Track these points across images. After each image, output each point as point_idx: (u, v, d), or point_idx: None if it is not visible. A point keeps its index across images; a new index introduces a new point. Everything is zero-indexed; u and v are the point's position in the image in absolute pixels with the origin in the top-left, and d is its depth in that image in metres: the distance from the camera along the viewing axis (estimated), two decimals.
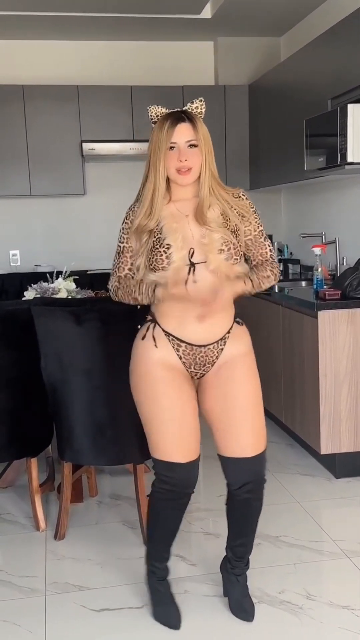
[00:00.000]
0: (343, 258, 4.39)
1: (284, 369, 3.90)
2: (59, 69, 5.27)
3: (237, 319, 2.24)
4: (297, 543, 2.83)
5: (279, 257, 5.44)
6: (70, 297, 3.31)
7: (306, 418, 3.61)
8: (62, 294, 3.33)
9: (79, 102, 5.04)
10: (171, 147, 2.07)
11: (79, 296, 3.34)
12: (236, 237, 2.13)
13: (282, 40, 5.43)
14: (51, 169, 5.08)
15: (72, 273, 3.52)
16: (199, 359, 2.17)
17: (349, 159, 3.47)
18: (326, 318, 3.35)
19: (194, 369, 2.19)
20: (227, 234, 2.10)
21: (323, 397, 3.39)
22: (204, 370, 2.20)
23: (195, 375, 2.22)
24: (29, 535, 2.97)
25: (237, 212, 2.14)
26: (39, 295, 3.27)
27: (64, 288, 3.34)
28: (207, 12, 4.84)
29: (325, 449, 3.44)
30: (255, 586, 2.50)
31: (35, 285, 3.38)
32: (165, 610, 2.31)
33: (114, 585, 2.56)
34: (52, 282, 3.41)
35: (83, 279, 4.01)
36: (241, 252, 2.15)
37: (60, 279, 3.39)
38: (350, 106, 3.44)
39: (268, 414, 4.34)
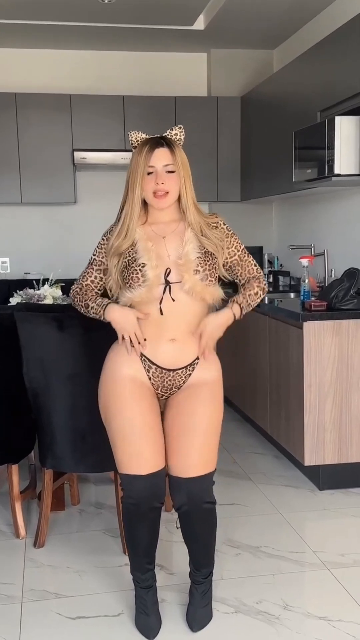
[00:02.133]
0: (331, 270, 4.40)
1: (270, 380, 3.90)
2: (52, 78, 5.30)
3: None
4: (277, 554, 2.82)
5: (269, 268, 5.46)
6: (55, 303, 3.31)
7: (290, 429, 3.60)
8: (48, 301, 3.32)
9: (72, 111, 5.07)
10: (149, 173, 2.12)
11: (64, 303, 3.33)
12: (212, 259, 2.16)
13: (275, 52, 5.47)
14: (42, 177, 5.09)
15: (62, 281, 3.52)
16: (167, 382, 2.22)
17: (336, 171, 3.49)
18: (311, 329, 3.35)
19: (161, 391, 2.24)
20: (203, 256, 2.14)
21: (307, 408, 3.39)
22: (170, 393, 2.26)
23: (162, 397, 2.27)
24: (9, 543, 2.95)
25: (213, 240, 2.17)
26: (24, 301, 3.27)
27: (49, 295, 3.34)
28: (200, 24, 4.87)
29: (309, 460, 3.43)
30: (232, 596, 2.49)
31: (21, 292, 3.37)
32: (145, 619, 2.29)
33: (92, 593, 2.54)
34: (39, 289, 3.41)
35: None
36: (216, 275, 2.19)
37: (46, 286, 3.39)
38: (337, 118, 3.46)
39: (255, 425, 4.34)
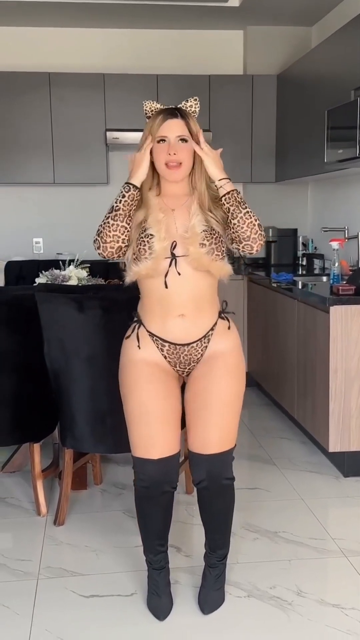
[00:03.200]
0: None
1: (298, 365, 3.85)
2: (85, 57, 5.27)
3: (223, 314, 2.23)
4: (295, 539, 2.79)
5: (303, 251, 5.36)
6: (80, 284, 3.32)
7: (316, 415, 3.56)
8: (73, 282, 3.34)
9: (105, 90, 5.03)
10: (161, 140, 2.09)
11: (89, 284, 3.34)
12: (218, 234, 2.12)
13: (313, 29, 5.32)
14: (75, 158, 5.08)
15: (89, 262, 3.53)
16: (183, 357, 2.19)
17: None
18: (338, 313, 3.28)
19: (180, 367, 2.21)
20: (209, 229, 2.10)
21: (333, 394, 3.33)
22: (190, 368, 2.22)
23: (182, 373, 2.24)
24: (30, 520, 3.00)
25: (217, 216, 2.13)
26: (49, 282, 3.29)
27: (74, 275, 3.36)
28: (235, 0, 4.77)
29: (334, 446, 3.38)
30: (246, 580, 2.48)
31: (47, 272, 3.39)
32: (156, 600, 2.30)
33: (107, 573, 2.57)
34: (65, 270, 3.43)
35: (101, 267, 4.02)
36: (223, 249, 2.13)
37: (71, 267, 3.40)
38: None
39: (283, 409, 4.30)
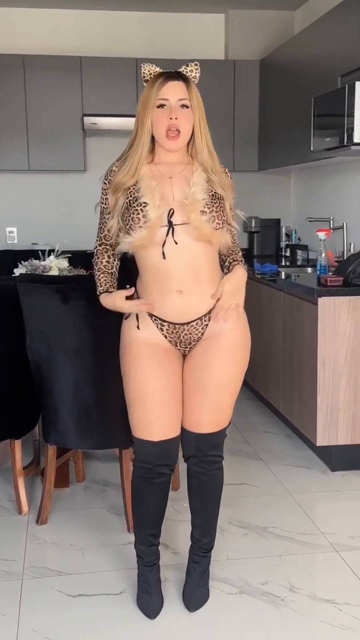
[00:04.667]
0: (350, 244, 4.25)
1: (284, 358, 3.79)
2: (61, 39, 5.12)
3: None
4: (285, 535, 2.74)
5: (287, 242, 5.31)
6: (61, 275, 3.22)
7: (303, 408, 3.50)
8: (54, 272, 3.24)
9: (82, 73, 4.89)
10: (162, 106, 2.00)
11: (70, 274, 3.25)
12: (219, 202, 2.03)
13: (296, 14, 5.25)
14: (51, 144, 4.93)
15: (68, 252, 3.43)
16: (183, 336, 2.11)
17: (356, 140, 3.32)
18: (326, 305, 3.23)
19: (180, 346, 2.14)
20: (210, 198, 2.01)
21: (320, 387, 3.28)
22: (191, 347, 2.15)
23: (184, 351, 2.17)
24: (11, 519, 2.90)
25: (219, 184, 2.06)
26: (29, 272, 3.18)
27: (55, 266, 3.26)
28: None
29: (322, 440, 3.33)
30: (237, 576, 2.44)
31: (26, 263, 3.29)
32: (147, 597, 2.24)
33: (94, 571, 2.49)
34: (44, 260, 3.32)
35: (81, 257, 3.91)
36: (224, 218, 2.04)
37: (52, 257, 3.30)
38: (358, 84, 3.28)
39: (267, 403, 4.25)
